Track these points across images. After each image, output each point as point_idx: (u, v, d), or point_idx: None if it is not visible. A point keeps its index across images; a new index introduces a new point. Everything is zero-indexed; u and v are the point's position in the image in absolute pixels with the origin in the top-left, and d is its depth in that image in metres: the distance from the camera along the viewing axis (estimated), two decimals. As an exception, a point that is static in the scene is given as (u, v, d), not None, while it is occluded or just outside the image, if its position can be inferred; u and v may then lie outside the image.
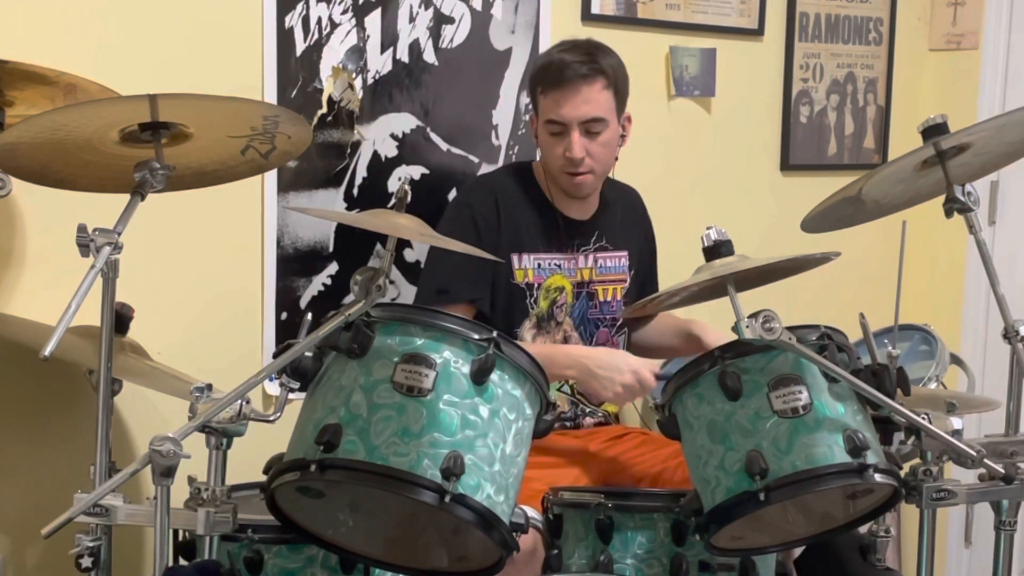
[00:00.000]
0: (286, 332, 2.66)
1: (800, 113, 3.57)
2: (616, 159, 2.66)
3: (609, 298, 2.71)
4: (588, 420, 2.70)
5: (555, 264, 2.64)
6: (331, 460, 1.78)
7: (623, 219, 2.77)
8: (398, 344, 1.83)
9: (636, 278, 2.77)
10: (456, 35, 2.86)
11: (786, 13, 3.50)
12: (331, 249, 2.74)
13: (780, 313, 1.87)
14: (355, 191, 2.76)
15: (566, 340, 2.65)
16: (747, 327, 1.86)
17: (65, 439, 2.42)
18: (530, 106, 2.69)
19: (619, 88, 2.58)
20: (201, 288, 2.58)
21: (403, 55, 2.79)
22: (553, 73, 2.53)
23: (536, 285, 2.61)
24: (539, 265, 2.62)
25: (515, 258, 2.59)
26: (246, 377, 1.75)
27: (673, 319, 2.81)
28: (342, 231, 2.74)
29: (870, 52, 3.71)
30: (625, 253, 2.74)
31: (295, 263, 2.69)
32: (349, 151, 2.74)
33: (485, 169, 2.92)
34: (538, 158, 2.72)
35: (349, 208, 2.75)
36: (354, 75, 2.72)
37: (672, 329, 2.80)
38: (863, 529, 2.13)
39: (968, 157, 2.18)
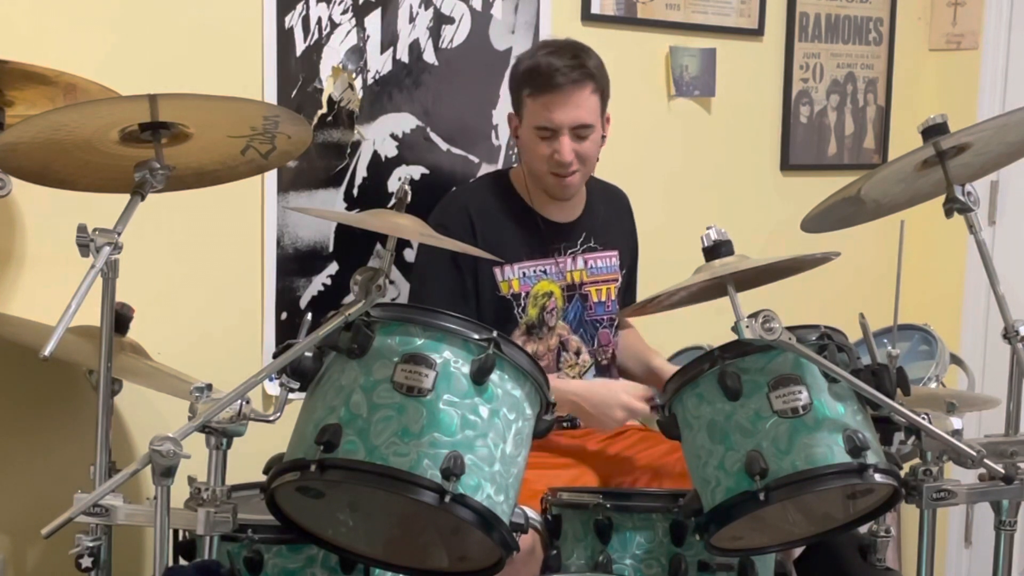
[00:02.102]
0: (286, 332, 2.66)
1: (800, 113, 3.57)
2: (597, 159, 2.65)
3: (603, 298, 2.70)
4: (587, 422, 2.70)
5: (540, 270, 2.62)
6: (331, 460, 1.77)
7: (610, 218, 2.76)
8: (398, 344, 1.83)
9: (626, 277, 2.77)
10: (456, 35, 2.86)
11: (786, 13, 3.50)
12: (331, 249, 2.74)
13: (780, 313, 1.88)
14: (355, 191, 2.76)
15: (562, 344, 2.64)
16: (747, 327, 1.85)
17: (65, 439, 2.42)
18: (513, 107, 2.63)
19: (604, 90, 2.56)
20: (201, 288, 2.58)
21: (403, 55, 2.79)
22: (543, 78, 2.50)
23: (523, 294, 2.59)
24: (524, 274, 2.60)
25: (497, 271, 2.57)
26: (246, 377, 1.75)
27: (639, 343, 2.83)
28: (342, 231, 2.74)
29: (870, 52, 3.71)
30: (615, 252, 2.74)
31: (295, 263, 2.69)
32: (349, 151, 2.74)
33: (485, 169, 2.92)
34: (515, 163, 2.70)
35: (349, 208, 2.75)
36: (354, 75, 2.72)
37: (635, 354, 2.80)
38: (863, 529, 2.13)
39: (968, 157, 2.18)
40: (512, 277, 2.58)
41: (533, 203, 2.63)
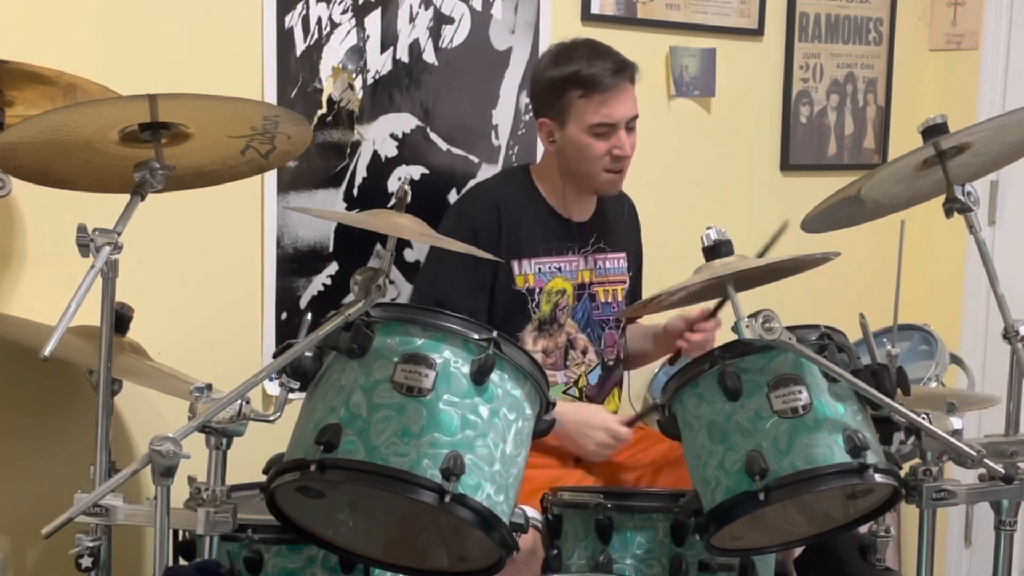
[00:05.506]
0: (286, 332, 2.66)
1: (800, 113, 3.57)
2: None
3: (610, 299, 2.71)
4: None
5: (555, 267, 2.64)
6: (331, 460, 1.78)
7: (619, 221, 2.78)
8: (398, 344, 1.83)
9: (632, 280, 2.78)
10: (456, 35, 2.86)
11: (786, 13, 3.50)
12: (331, 249, 2.74)
13: (780, 313, 1.87)
14: (355, 191, 2.76)
15: (570, 342, 2.65)
16: (747, 327, 1.85)
17: (65, 439, 2.42)
18: (544, 113, 2.61)
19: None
20: (201, 288, 2.58)
21: (403, 55, 2.79)
22: (597, 77, 2.55)
23: (538, 290, 2.61)
24: (540, 269, 2.62)
25: (515, 264, 2.59)
26: (246, 377, 1.75)
27: (642, 326, 2.85)
28: (342, 231, 2.74)
29: (870, 52, 3.71)
30: (623, 254, 2.76)
31: (295, 263, 2.69)
32: (349, 151, 2.74)
33: (485, 169, 2.92)
34: (539, 160, 2.71)
35: (349, 208, 2.75)
36: (354, 75, 2.72)
37: (642, 334, 2.84)
38: (863, 529, 2.13)
39: (968, 157, 2.18)
40: (529, 272, 2.60)
41: (552, 202, 2.65)
